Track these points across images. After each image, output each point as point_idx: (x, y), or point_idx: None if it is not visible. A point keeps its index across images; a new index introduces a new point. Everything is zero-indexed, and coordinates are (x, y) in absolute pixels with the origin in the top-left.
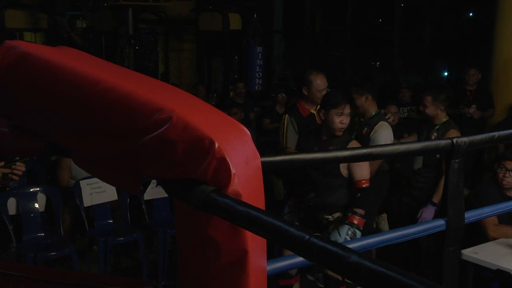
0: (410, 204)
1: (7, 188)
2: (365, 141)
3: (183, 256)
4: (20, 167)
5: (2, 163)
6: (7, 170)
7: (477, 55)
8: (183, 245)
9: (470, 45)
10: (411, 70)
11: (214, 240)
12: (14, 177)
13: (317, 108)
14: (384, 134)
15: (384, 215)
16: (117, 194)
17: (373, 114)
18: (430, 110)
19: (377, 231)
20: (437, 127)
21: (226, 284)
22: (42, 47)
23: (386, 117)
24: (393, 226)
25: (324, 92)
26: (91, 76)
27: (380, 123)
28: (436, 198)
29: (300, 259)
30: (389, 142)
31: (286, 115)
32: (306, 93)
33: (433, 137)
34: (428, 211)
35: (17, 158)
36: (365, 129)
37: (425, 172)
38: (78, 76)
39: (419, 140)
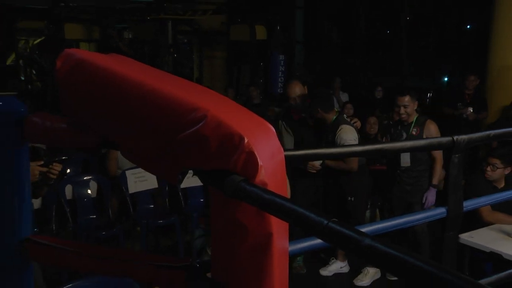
0: (405, 198)
1: (65, 177)
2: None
3: (216, 238)
4: (56, 167)
5: (41, 162)
6: (44, 169)
7: (476, 62)
8: (216, 228)
9: (470, 53)
10: (416, 74)
11: (243, 223)
12: (51, 175)
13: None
14: (345, 135)
15: (377, 212)
16: (158, 183)
17: (333, 119)
18: (410, 108)
19: None
20: (413, 123)
21: (253, 262)
22: (95, 54)
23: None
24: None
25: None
26: (137, 80)
27: (341, 126)
28: (435, 181)
29: (318, 241)
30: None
31: (280, 121)
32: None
33: (414, 132)
34: (431, 194)
35: (56, 158)
36: (330, 135)
37: (415, 166)
38: (126, 79)
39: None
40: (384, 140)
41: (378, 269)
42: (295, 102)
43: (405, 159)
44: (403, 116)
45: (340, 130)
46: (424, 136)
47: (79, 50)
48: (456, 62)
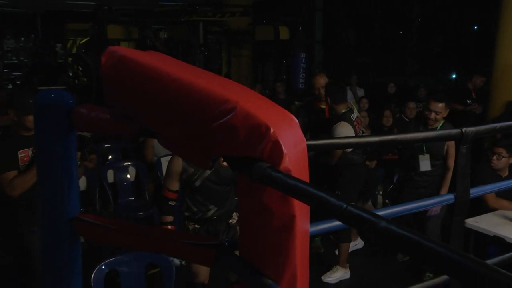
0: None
1: (107, 162)
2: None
3: (243, 220)
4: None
5: (79, 154)
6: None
7: (480, 61)
8: (244, 211)
9: (475, 52)
10: (426, 73)
11: (269, 206)
12: (89, 164)
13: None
14: (336, 130)
15: (370, 204)
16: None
17: (342, 112)
18: (441, 115)
19: None
20: (439, 127)
21: (277, 242)
22: (135, 52)
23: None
24: None
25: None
26: (173, 74)
27: (341, 121)
28: (444, 191)
29: (337, 223)
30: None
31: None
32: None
33: None
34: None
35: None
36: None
37: (432, 171)
38: (163, 74)
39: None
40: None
41: (347, 270)
42: (318, 92)
43: (425, 163)
44: (431, 121)
45: (338, 124)
46: (446, 145)
47: (121, 47)
48: (460, 61)
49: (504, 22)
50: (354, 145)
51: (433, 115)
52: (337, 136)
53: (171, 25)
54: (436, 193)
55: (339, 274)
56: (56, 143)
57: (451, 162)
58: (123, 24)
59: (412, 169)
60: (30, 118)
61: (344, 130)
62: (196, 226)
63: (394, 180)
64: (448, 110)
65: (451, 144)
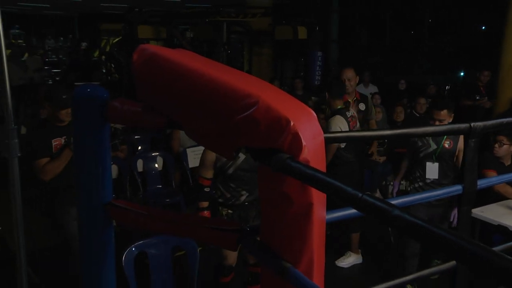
0: (424, 212)
1: (137, 152)
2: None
3: (264, 207)
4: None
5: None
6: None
7: (487, 60)
8: (264, 199)
9: (482, 51)
10: (435, 71)
11: (288, 195)
12: (121, 154)
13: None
14: (331, 123)
15: (378, 193)
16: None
17: (338, 108)
18: (446, 122)
19: None
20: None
21: (296, 228)
22: (165, 49)
23: None
24: None
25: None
26: (200, 70)
27: (336, 115)
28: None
29: (352, 211)
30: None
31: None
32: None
33: (447, 145)
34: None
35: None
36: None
37: (441, 180)
38: (191, 70)
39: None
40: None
41: (359, 256)
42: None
43: (433, 171)
44: None
45: (332, 118)
46: (458, 149)
47: (151, 45)
48: (468, 60)
49: (511, 23)
50: (368, 138)
51: (437, 124)
52: (332, 130)
53: (196, 25)
54: (446, 205)
55: (352, 259)
56: (91, 133)
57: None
58: (153, 25)
59: (420, 176)
60: (63, 112)
61: (340, 123)
62: (229, 211)
63: None
64: (453, 115)
65: (463, 149)
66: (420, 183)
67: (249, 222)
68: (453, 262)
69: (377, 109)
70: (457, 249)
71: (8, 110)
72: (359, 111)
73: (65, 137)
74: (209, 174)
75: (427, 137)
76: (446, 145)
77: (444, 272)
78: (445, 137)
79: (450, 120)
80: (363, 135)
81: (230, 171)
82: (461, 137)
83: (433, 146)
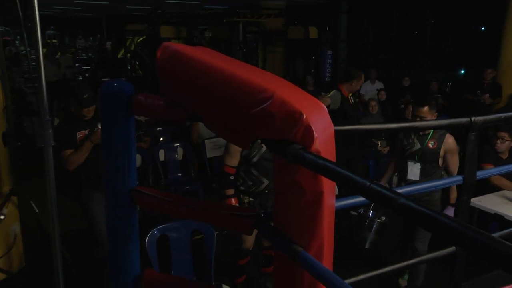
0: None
1: (159, 143)
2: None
3: (278, 195)
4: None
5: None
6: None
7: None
8: (278, 187)
9: (482, 51)
10: (438, 68)
11: (301, 184)
12: (144, 144)
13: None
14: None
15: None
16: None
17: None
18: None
19: None
20: (431, 134)
21: (308, 215)
22: (186, 47)
23: None
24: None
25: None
26: (218, 66)
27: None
28: (453, 199)
29: (360, 199)
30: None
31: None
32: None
33: (431, 145)
34: (450, 213)
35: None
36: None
37: (425, 182)
38: (210, 66)
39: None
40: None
41: None
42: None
43: (414, 171)
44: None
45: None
46: (442, 151)
47: (174, 43)
48: (468, 59)
49: (509, 23)
50: (376, 131)
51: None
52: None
53: (214, 25)
54: (432, 203)
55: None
56: (118, 125)
57: (453, 168)
58: (174, 25)
59: (401, 178)
60: (85, 110)
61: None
62: (251, 199)
63: None
64: (436, 114)
65: (450, 150)
66: (402, 183)
67: (268, 209)
68: (453, 248)
69: (372, 102)
70: (459, 235)
71: (44, 103)
72: None
73: (88, 129)
74: (234, 162)
75: (412, 136)
76: (430, 145)
77: (444, 257)
78: (430, 136)
79: (434, 118)
80: (370, 128)
81: (255, 159)
82: (448, 139)
83: (417, 146)
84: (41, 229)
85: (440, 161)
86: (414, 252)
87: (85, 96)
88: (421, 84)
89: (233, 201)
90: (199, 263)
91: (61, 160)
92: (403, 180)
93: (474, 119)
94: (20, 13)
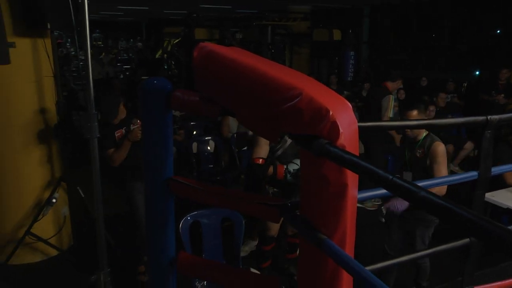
0: (403, 227)
1: (192, 136)
2: None
3: (304, 186)
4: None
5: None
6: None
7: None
8: (305, 179)
9: (498, 52)
10: (454, 69)
11: (326, 176)
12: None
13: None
14: None
15: None
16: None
17: None
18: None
19: None
20: (420, 142)
21: (332, 205)
22: (221, 47)
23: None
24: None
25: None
26: (250, 65)
27: None
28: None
29: (382, 191)
30: None
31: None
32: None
33: (418, 154)
34: (399, 201)
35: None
36: None
37: None
38: (242, 65)
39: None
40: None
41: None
42: None
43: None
44: (409, 134)
45: None
46: (429, 160)
47: (209, 43)
48: (484, 60)
49: None
50: (396, 128)
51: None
52: None
53: (245, 28)
54: (425, 220)
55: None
56: (157, 119)
57: (437, 173)
58: (207, 28)
59: None
60: (115, 120)
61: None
62: (275, 190)
63: None
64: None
65: (436, 159)
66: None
67: (292, 199)
68: (467, 240)
69: (394, 103)
70: (477, 227)
71: (91, 99)
72: None
73: (125, 127)
74: (263, 154)
75: (404, 145)
76: (418, 154)
77: (458, 248)
78: (418, 145)
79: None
80: (391, 125)
81: (279, 152)
82: (435, 147)
83: (408, 154)
84: (87, 213)
85: (429, 171)
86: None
87: (112, 109)
88: (438, 83)
89: (281, 167)
90: (228, 248)
91: (106, 159)
92: None
93: (490, 118)
94: (73, 18)
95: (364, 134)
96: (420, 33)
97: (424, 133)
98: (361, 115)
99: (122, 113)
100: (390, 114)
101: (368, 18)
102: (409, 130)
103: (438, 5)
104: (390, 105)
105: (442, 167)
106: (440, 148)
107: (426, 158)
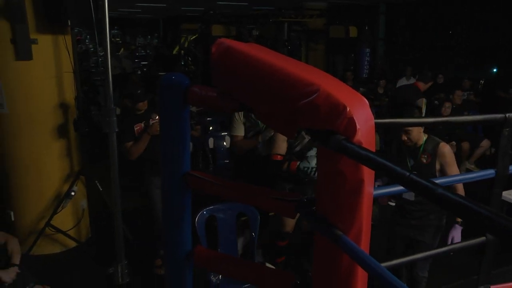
0: (408, 235)
1: (208, 132)
2: None
3: (321, 182)
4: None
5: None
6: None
7: None
8: (322, 174)
9: None
10: (471, 67)
11: (343, 172)
12: (195, 133)
13: None
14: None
15: None
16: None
17: None
18: (415, 133)
19: None
20: (422, 147)
21: (348, 201)
22: (238, 43)
23: None
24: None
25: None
26: (268, 61)
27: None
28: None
29: (398, 188)
30: None
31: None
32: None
33: (424, 160)
34: (457, 232)
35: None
36: None
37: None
38: (260, 60)
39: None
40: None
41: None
42: None
43: (409, 193)
44: (407, 143)
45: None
46: (438, 165)
47: (227, 39)
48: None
49: None
50: (412, 125)
51: (404, 137)
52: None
53: (261, 25)
54: (432, 226)
55: None
56: (175, 114)
57: (458, 185)
58: (224, 24)
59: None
60: (140, 104)
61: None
62: (291, 186)
63: None
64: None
65: (446, 162)
66: (403, 201)
67: (308, 195)
68: (483, 238)
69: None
70: (495, 224)
71: (110, 94)
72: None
73: (144, 121)
74: (282, 150)
75: (404, 151)
76: (424, 160)
77: (474, 246)
78: (421, 150)
79: (422, 130)
80: (408, 122)
81: (297, 148)
82: (441, 149)
83: (411, 162)
84: (105, 207)
85: (440, 174)
86: (414, 279)
87: (138, 92)
88: (454, 81)
89: (294, 163)
90: (243, 242)
91: (124, 152)
92: (397, 198)
93: (508, 116)
94: (93, 15)
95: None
96: (437, 30)
97: (424, 137)
98: (382, 112)
99: (143, 106)
100: None
101: (384, 15)
102: (406, 138)
103: (454, 2)
104: (424, 109)
105: (453, 167)
106: (447, 148)
107: (434, 162)
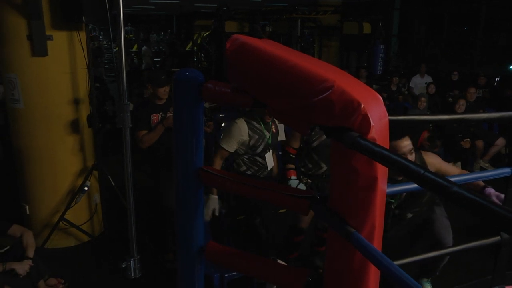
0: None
1: (221, 128)
2: None
3: (334, 178)
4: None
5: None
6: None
7: None
8: (335, 171)
9: None
10: (487, 63)
11: (357, 169)
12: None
13: None
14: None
15: None
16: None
17: None
18: (414, 150)
19: None
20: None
21: (362, 198)
22: (253, 39)
23: None
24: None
25: None
26: (282, 57)
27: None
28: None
29: (412, 186)
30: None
31: None
32: None
33: None
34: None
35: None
36: None
37: (422, 198)
38: (275, 56)
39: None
40: None
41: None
42: None
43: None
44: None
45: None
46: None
47: (242, 35)
48: None
49: None
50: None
51: (408, 157)
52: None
53: (275, 21)
54: (423, 222)
55: None
56: (189, 109)
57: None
58: (237, 21)
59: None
60: (161, 90)
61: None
62: (309, 180)
63: None
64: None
65: (438, 169)
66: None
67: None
68: (497, 238)
69: (422, 98)
70: (510, 223)
71: (123, 90)
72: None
73: (161, 113)
74: (296, 144)
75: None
76: None
77: (488, 246)
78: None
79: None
80: (422, 119)
81: (315, 144)
82: (428, 159)
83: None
84: (118, 201)
85: None
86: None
87: (162, 77)
88: (469, 78)
89: (292, 173)
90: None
91: (136, 139)
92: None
93: None
94: (108, 12)
95: None
96: (452, 27)
97: (414, 154)
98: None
99: (165, 94)
100: None
101: (398, 11)
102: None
103: None
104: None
105: (449, 168)
106: (432, 157)
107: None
